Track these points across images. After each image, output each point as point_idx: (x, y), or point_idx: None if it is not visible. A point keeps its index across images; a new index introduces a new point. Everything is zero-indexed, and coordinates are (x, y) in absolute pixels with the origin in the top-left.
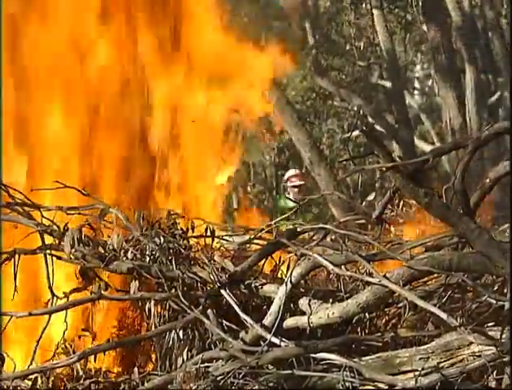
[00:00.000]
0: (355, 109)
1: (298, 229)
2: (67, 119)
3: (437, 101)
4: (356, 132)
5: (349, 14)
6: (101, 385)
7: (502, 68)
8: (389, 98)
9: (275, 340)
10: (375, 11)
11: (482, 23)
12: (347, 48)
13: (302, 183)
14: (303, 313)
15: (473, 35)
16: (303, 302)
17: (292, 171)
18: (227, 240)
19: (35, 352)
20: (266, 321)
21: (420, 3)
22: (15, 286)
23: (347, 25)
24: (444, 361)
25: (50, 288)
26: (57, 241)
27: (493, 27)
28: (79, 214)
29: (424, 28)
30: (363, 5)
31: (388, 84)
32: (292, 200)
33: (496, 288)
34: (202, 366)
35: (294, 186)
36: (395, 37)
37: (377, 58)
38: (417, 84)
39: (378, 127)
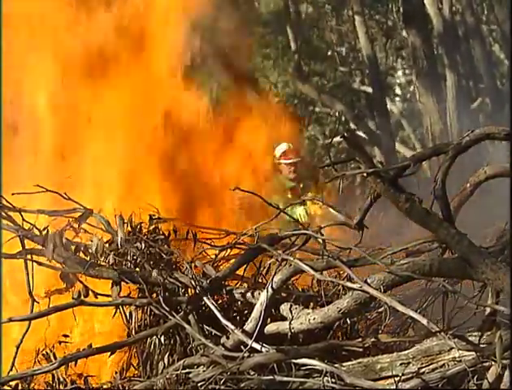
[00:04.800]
0: (337, 114)
1: (279, 234)
2: None
3: (418, 107)
4: (337, 138)
5: (331, 20)
6: None
7: (483, 74)
8: (371, 104)
9: (257, 346)
10: (356, 17)
11: (463, 29)
12: (329, 54)
13: (299, 159)
14: (284, 318)
15: (454, 41)
16: (284, 308)
17: (284, 146)
18: (209, 245)
19: (15, 358)
20: (248, 327)
21: (401, 9)
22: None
23: (329, 31)
24: (425, 366)
25: (30, 293)
26: (38, 246)
27: (474, 33)
28: (61, 216)
29: (404, 33)
30: (345, 11)
31: (369, 89)
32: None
33: (476, 294)
34: (183, 372)
35: (289, 163)
36: (376, 43)
37: (359, 63)
38: (398, 90)
39: (359, 133)
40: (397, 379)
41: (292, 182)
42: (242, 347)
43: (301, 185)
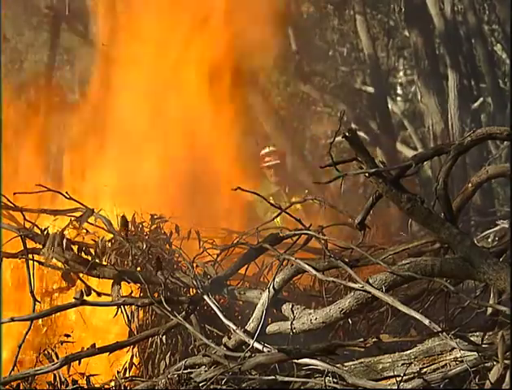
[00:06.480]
0: (338, 114)
1: (281, 234)
2: None
3: (420, 107)
4: (339, 138)
5: (333, 19)
6: None
7: (485, 74)
8: (372, 104)
9: (258, 346)
10: (358, 17)
11: (465, 29)
12: (330, 53)
13: (277, 162)
14: (286, 318)
15: (456, 41)
16: (286, 307)
17: (266, 149)
18: (211, 244)
19: (17, 357)
20: (249, 326)
21: (403, 9)
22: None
23: (330, 31)
24: (427, 366)
25: (32, 293)
26: (39, 246)
27: (476, 33)
28: (63, 215)
29: (406, 33)
30: (346, 11)
31: (371, 89)
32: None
33: (478, 294)
34: (185, 371)
35: (269, 166)
36: (378, 43)
37: (360, 63)
38: (400, 90)
39: (361, 133)
40: (398, 379)
41: (276, 186)
42: (244, 347)
43: (287, 189)
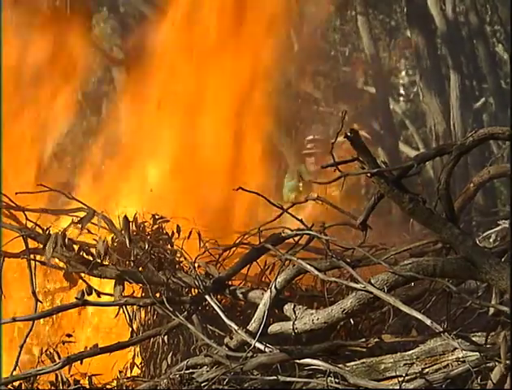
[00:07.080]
0: (340, 115)
1: (283, 234)
2: None
3: (422, 108)
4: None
5: (334, 20)
6: None
7: (486, 74)
8: (374, 104)
9: (260, 346)
10: (359, 17)
11: (466, 29)
12: (332, 53)
13: (319, 151)
14: (288, 318)
15: (457, 41)
16: (288, 308)
17: (311, 136)
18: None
19: (18, 357)
20: (251, 327)
21: (404, 9)
22: (1, 289)
23: (332, 31)
24: (429, 366)
25: (34, 293)
26: (41, 246)
27: (478, 33)
28: (65, 215)
29: (408, 33)
30: (348, 11)
31: (372, 90)
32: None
33: (480, 294)
34: (187, 372)
35: (310, 154)
36: (379, 43)
37: (362, 63)
38: (401, 90)
39: (363, 133)
40: (400, 379)
41: (309, 176)
42: (246, 347)
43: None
